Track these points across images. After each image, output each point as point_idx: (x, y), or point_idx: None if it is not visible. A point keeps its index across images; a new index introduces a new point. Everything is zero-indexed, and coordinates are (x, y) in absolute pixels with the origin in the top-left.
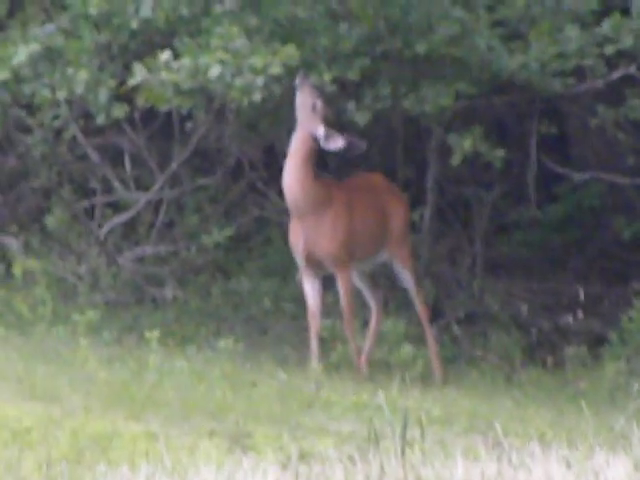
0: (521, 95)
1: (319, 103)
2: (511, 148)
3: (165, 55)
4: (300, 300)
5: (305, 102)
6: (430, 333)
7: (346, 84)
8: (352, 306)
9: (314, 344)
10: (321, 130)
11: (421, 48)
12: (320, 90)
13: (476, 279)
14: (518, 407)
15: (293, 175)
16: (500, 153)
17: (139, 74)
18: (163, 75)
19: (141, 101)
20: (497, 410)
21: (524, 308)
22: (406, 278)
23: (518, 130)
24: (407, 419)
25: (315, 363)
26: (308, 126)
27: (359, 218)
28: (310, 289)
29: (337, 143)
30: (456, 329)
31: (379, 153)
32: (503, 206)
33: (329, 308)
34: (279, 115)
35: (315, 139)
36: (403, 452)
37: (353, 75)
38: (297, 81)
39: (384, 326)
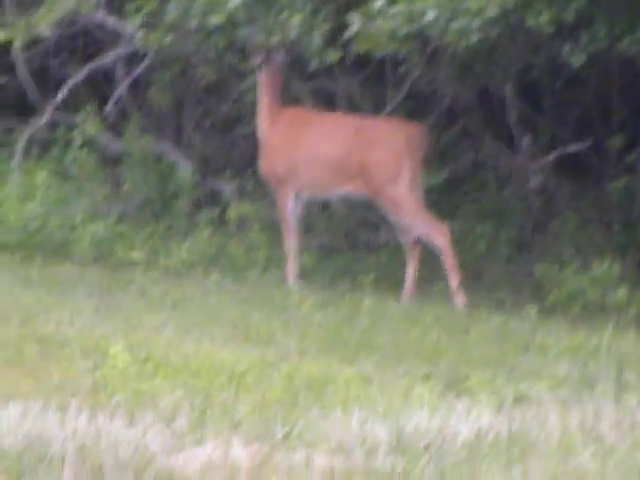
0: None
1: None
2: None
3: (379, 2)
4: (515, 244)
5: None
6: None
7: (562, 26)
8: (287, 224)
9: (290, 262)
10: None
11: None
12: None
13: None
14: None
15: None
16: None
17: (356, 23)
18: (379, 22)
19: (357, 48)
20: None
21: None
22: (400, 223)
23: None
24: (622, 362)
25: (291, 280)
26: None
27: (309, 145)
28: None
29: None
30: None
31: (594, 95)
32: None
33: (542, 251)
34: (494, 57)
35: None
36: (618, 396)
37: (568, 17)
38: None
39: (599, 268)
